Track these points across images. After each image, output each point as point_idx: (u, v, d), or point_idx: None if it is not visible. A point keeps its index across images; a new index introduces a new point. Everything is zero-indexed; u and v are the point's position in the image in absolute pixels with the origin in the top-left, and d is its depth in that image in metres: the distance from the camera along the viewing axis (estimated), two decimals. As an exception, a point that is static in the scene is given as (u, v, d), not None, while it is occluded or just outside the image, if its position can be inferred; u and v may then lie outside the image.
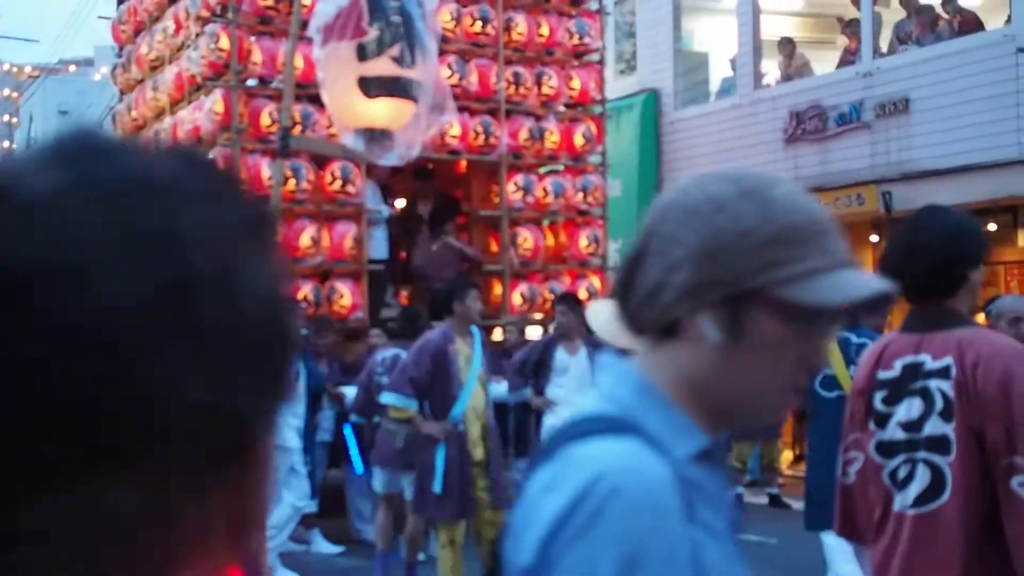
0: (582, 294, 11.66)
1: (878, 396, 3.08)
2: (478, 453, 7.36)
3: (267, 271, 0.66)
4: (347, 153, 6.99)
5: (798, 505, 8.19)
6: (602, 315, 7.68)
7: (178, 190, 0.64)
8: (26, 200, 0.60)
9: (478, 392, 7.38)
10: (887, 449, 3.05)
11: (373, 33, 6.04)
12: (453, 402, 7.26)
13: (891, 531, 3.01)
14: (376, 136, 5.84)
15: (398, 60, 5.81)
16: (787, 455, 13.76)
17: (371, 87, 5.77)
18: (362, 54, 5.78)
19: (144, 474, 0.60)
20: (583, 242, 11.93)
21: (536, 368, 8.90)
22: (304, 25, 8.10)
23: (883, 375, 3.08)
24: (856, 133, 13.90)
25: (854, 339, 6.55)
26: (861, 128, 13.84)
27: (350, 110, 5.87)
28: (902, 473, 3.00)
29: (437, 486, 7.19)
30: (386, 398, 7.50)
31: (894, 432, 3.04)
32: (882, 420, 3.07)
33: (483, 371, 7.47)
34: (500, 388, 8.58)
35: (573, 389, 8.67)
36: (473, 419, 7.33)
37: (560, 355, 8.82)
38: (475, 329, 7.51)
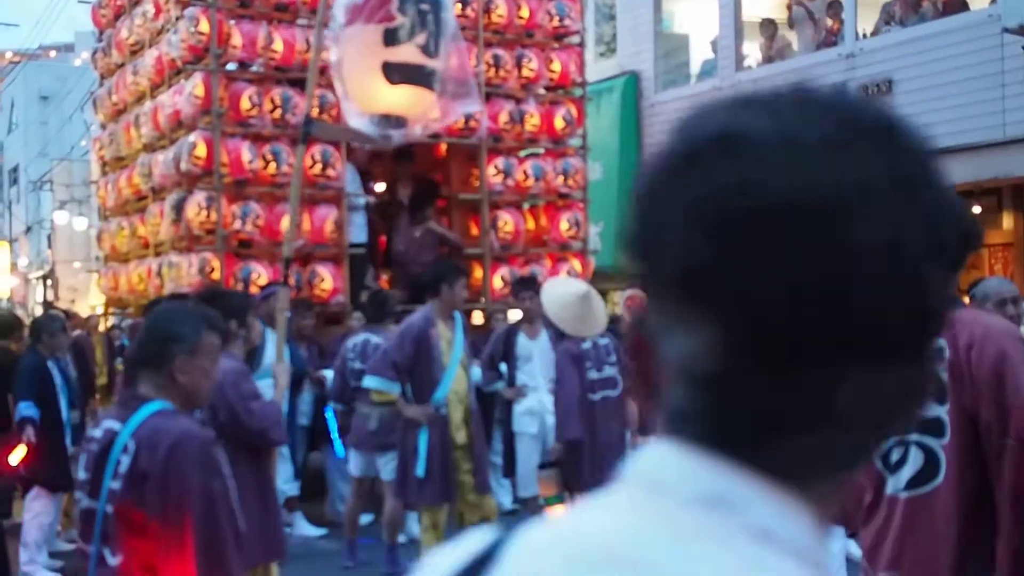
0: (562, 277, 11.65)
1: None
2: (461, 437, 7.36)
3: (953, 200, 0.81)
4: (365, 139, 6.90)
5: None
6: (570, 305, 7.73)
7: (900, 136, 0.80)
8: (801, 142, 0.76)
9: (460, 376, 7.37)
10: (877, 432, 3.02)
11: (402, 19, 5.93)
12: (435, 386, 7.23)
13: (883, 514, 2.98)
14: (390, 121, 5.75)
15: (424, 49, 5.71)
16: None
17: (395, 74, 5.67)
18: (389, 39, 5.67)
19: (911, 361, 0.78)
20: (564, 225, 11.89)
21: (504, 358, 8.81)
22: (287, 10, 7.97)
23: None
24: (838, 115, 13.87)
25: None
26: (843, 110, 13.80)
27: (370, 94, 5.76)
28: (895, 456, 2.97)
29: (420, 470, 7.18)
30: (368, 382, 7.50)
31: (885, 415, 3.00)
32: (872, 403, 3.03)
33: (465, 355, 7.45)
34: (479, 373, 8.58)
35: (538, 374, 8.65)
36: (456, 403, 7.33)
37: (522, 341, 8.74)
38: (457, 313, 7.50)
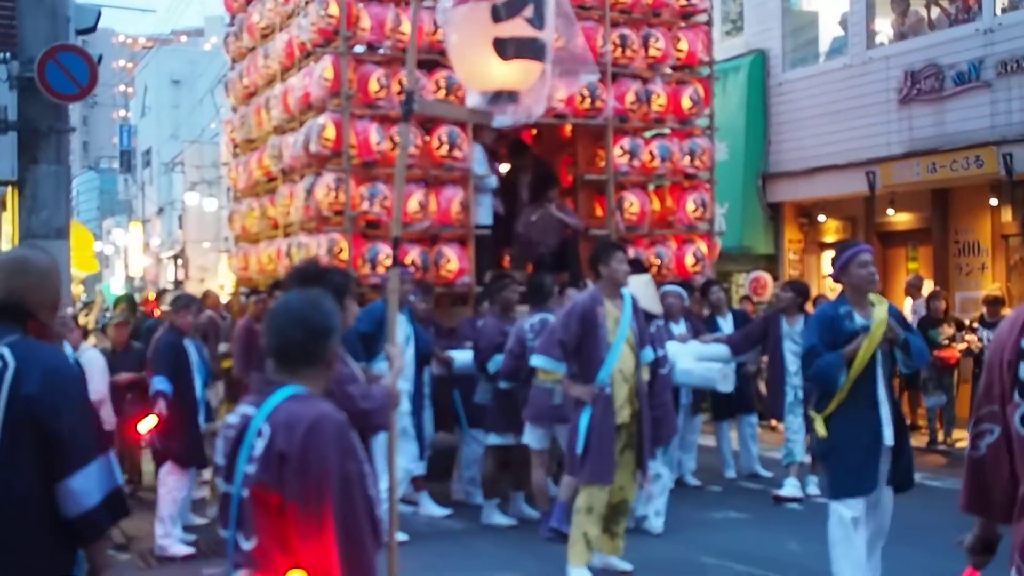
0: (688, 259, 11.54)
1: (1024, 366, 2.91)
2: (624, 416, 7.30)
3: None
4: (471, 115, 6.93)
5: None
6: (638, 289, 8.04)
7: None
8: None
9: (626, 355, 7.31)
10: (1037, 422, 2.89)
11: None
12: (600, 364, 7.19)
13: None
14: (502, 97, 5.74)
15: (531, 21, 5.71)
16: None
17: (507, 49, 5.67)
18: (496, 15, 5.68)
19: None
20: (690, 206, 11.76)
21: (763, 338, 10.41)
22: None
23: (1028, 344, 2.91)
24: (975, 92, 13.48)
25: None
26: (981, 87, 13.40)
27: (483, 72, 5.76)
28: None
29: (579, 447, 7.18)
30: (536, 361, 7.64)
31: (1044, 404, 2.87)
32: (1029, 391, 2.90)
33: (632, 334, 7.37)
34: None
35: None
36: (620, 382, 7.27)
37: (785, 327, 10.28)
38: (626, 292, 7.44)
